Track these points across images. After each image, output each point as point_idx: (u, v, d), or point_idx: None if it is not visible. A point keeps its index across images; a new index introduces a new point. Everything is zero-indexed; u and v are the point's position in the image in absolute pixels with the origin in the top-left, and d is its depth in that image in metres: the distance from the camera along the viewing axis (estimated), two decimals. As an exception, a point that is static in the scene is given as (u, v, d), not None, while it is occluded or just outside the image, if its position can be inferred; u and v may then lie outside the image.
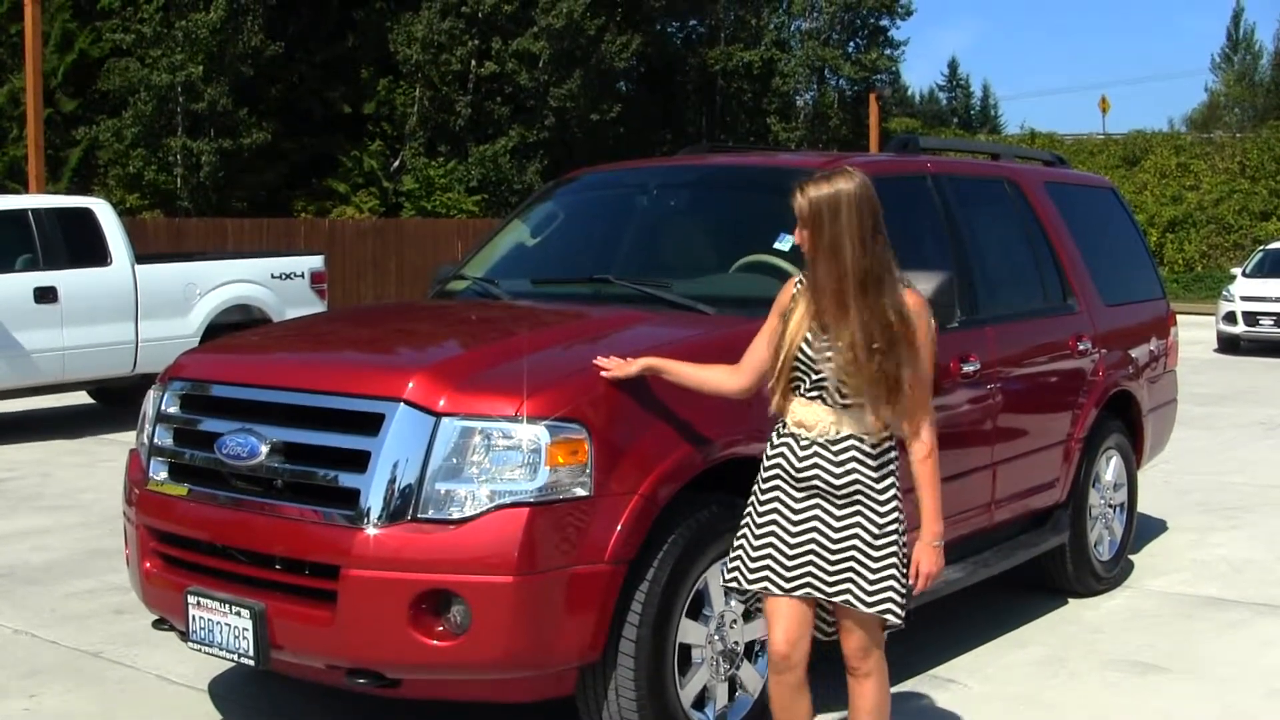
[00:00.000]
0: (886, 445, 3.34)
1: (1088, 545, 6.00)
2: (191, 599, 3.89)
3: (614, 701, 3.74)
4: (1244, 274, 19.92)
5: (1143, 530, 7.11)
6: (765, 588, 3.35)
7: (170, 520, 4.10)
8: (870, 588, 3.30)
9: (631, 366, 3.68)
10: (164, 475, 4.16)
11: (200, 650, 3.91)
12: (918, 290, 3.35)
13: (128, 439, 5.80)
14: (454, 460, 3.56)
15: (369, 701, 4.24)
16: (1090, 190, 6.90)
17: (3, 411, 11.92)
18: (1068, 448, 5.78)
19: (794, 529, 3.33)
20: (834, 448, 3.30)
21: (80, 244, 10.96)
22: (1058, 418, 5.75)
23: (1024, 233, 5.92)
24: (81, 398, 12.59)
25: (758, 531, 3.38)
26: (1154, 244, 32.15)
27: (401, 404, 3.63)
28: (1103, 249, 6.48)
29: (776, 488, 3.37)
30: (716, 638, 3.92)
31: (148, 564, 4.16)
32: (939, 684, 4.82)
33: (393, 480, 3.56)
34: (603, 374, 3.69)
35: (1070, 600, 5.98)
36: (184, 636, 4.00)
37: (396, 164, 34.42)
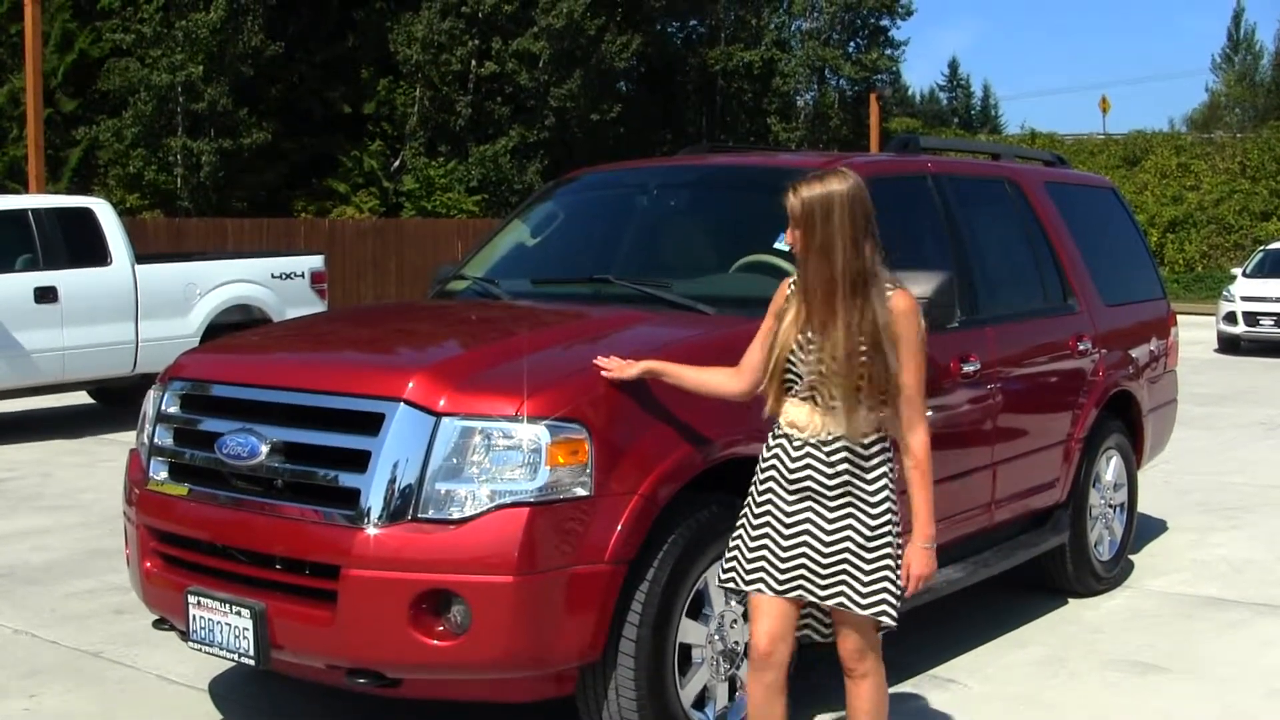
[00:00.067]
0: (880, 447, 3.33)
1: (1088, 545, 6.00)
2: (192, 599, 3.89)
3: (614, 701, 3.74)
4: (1244, 274, 19.92)
5: (1143, 530, 7.11)
6: (759, 589, 3.35)
7: (170, 520, 4.10)
8: (864, 589, 3.29)
9: (632, 369, 3.68)
10: (164, 475, 4.16)
11: (200, 650, 3.91)
12: (909, 292, 3.34)
13: (128, 439, 5.80)
14: (454, 460, 3.56)
15: (369, 701, 4.24)
16: (1091, 190, 6.90)
17: (3, 411, 11.93)
18: (1068, 448, 5.78)
19: (787, 531, 3.33)
20: (826, 449, 3.30)
21: (80, 244, 10.96)
22: (1058, 418, 5.75)
23: (1024, 233, 5.92)
24: (81, 398, 12.59)
25: (753, 533, 3.38)
26: (1154, 244, 32.16)
27: (402, 404, 3.63)
28: (1103, 249, 6.48)
29: (770, 489, 3.37)
30: (716, 637, 3.92)
31: (148, 564, 4.16)
32: (939, 684, 4.82)
33: (393, 480, 3.56)
34: (603, 375, 3.69)
35: (1070, 600, 5.98)
36: (184, 636, 4.01)
37: (396, 164, 34.42)
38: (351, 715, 4.49)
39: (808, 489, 3.32)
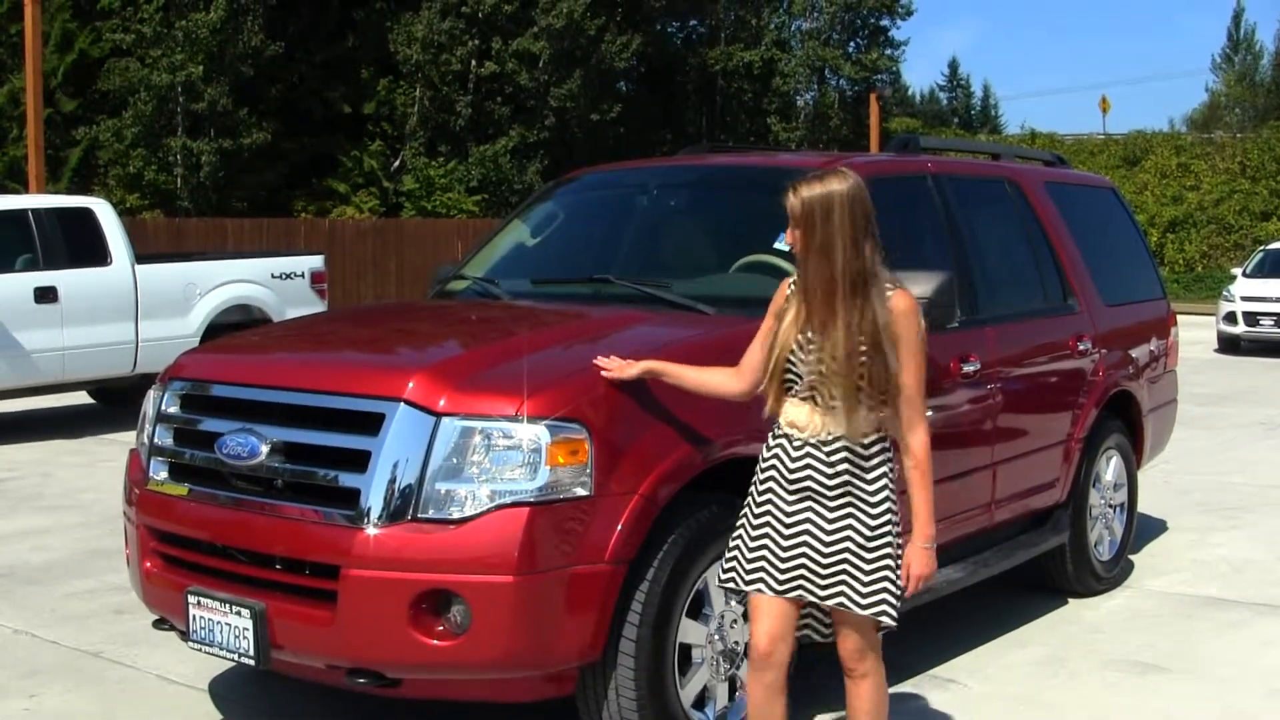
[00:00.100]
0: (880, 447, 3.33)
1: (1088, 545, 6.00)
2: (192, 599, 3.89)
3: (614, 701, 3.74)
4: (1244, 274, 19.92)
5: (1143, 530, 7.11)
6: (759, 589, 3.35)
7: (170, 520, 4.10)
8: (864, 589, 3.29)
9: (632, 369, 3.68)
10: (164, 475, 4.16)
11: (200, 650, 3.91)
12: (909, 292, 3.34)
13: (128, 439, 5.80)
14: (454, 460, 3.56)
15: (369, 701, 4.24)
16: (1091, 190, 6.90)
17: (3, 411, 11.93)
18: (1068, 448, 5.78)
19: (787, 531, 3.33)
20: (826, 449, 3.30)
21: (80, 244, 10.96)
22: (1058, 418, 5.75)
23: (1024, 233, 5.92)
24: (81, 398, 12.59)
25: (753, 533, 3.38)
26: (1154, 244, 32.16)
27: (402, 404, 3.63)
28: (1103, 249, 6.48)
29: (770, 489, 3.37)
30: (717, 637, 3.92)
31: (148, 564, 4.17)
32: (939, 684, 4.82)
33: (393, 480, 3.56)
34: (602, 374, 3.69)
35: (1070, 600, 5.98)
36: (184, 636, 4.01)
37: (396, 164, 34.43)
38: (351, 715, 4.49)
39: (807, 489, 3.31)
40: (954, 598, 5.21)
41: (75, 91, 30.29)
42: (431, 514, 3.55)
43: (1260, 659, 5.15)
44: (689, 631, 3.86)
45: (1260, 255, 20.74)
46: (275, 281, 12.27)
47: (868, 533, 3.29)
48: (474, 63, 34.26)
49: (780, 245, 4.54)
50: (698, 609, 3.89)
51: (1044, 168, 6.66)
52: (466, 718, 4.30)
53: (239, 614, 3.75)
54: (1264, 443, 10.68)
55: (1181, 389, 7.44)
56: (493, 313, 4.91)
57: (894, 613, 3.32)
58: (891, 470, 3.33)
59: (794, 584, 3.32)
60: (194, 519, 4.03)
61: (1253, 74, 62.97)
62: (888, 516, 3.31)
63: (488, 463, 3.55)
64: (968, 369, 5.04)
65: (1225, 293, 19.68)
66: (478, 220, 28.67)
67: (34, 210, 10.93)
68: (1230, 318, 19.08)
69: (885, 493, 3.31)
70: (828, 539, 3.30)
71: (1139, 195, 34.69)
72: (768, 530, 3.35)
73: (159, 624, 4.27)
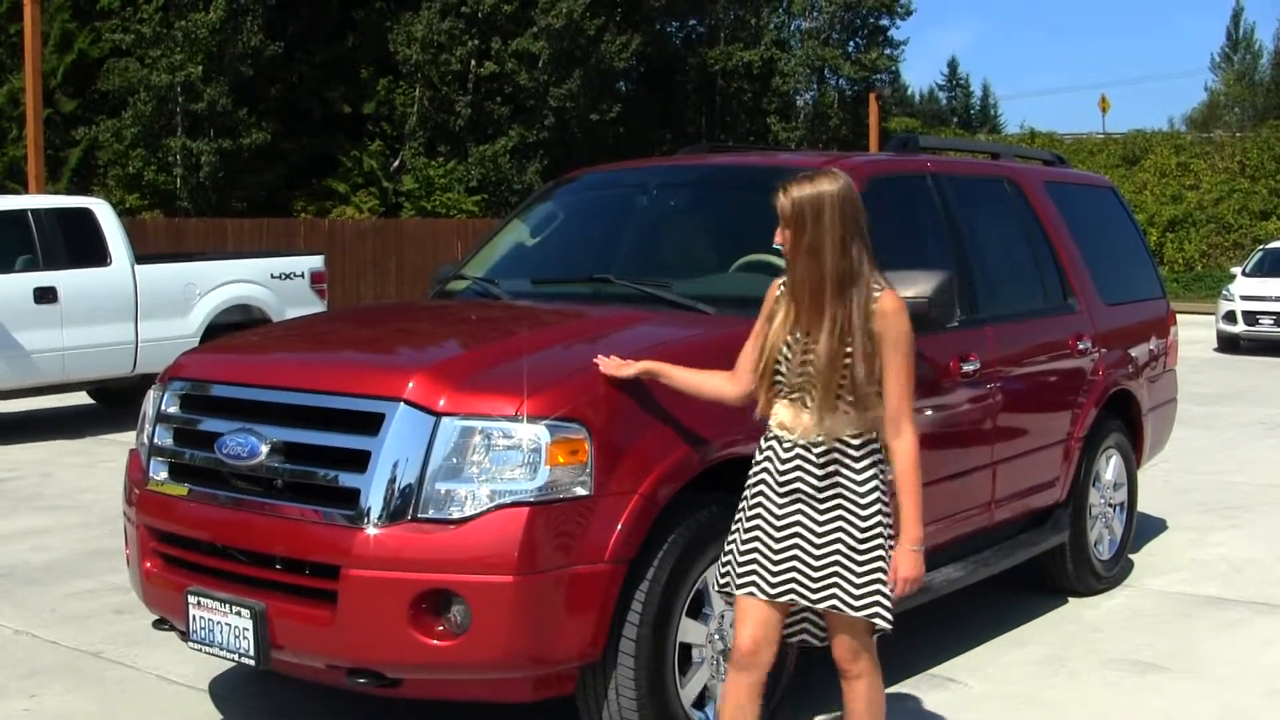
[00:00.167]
0: (870, 448, 3.32)
1: (1088, 544, 6.00)
2: (192, 599, 3.89)
3: (614, 701, 3.74)
4: (1244, 273, 19.91)
5: (1142, 529, 7.11)
6: (751, 592, 3.34)
7: (170, 520, 4.10)
8: (857, 591, 3.28)
9: (629, 368, 3.68)
10: (164, 475, 4.16)
11: (200, 650, 3.91)
12: (896, 293, 3.33)
13: (128, 439, 5.80)
14: (454, 460, 3.56)
15: (369, 701, 4.24)
16: (1090, 190, 6.90)
17: (3, 411, 11.93)
18: (1068, 447, 5.78)
19: (778, 534, 3.32)
20: (816, 450, 3.29)
21: (80, 244, 10.96)
22: (1058, 417, 5.75)
23: (1024, 232, 5.92)
24: (82, 398, 12.59)
25: (745, 535, 3.37)
26: (1154, 243, 32.16)
27: (401, 404, 3.63)
28: (1103, 248, 6.48)
29: (761, 492, 3.37)
30: (717, 637, 3.92)
31: (148, 564, 4.17)
32: (939, 683, 4.82)
33: (393, 480, 3.57)
34: (600, 371, 3.69)
35: (1070, 599, 5.98)
36: (184, 636, 4.01)
37: (396, 164, 34.42)
38: (351, 715, 4.49)
39: (797, 490, 3.31)
40: (954, 597, 5.21)
41: (75, 92, 30.30)
42: (431, 514, 3.55)
43: (1260, 658, 5.15)
44: (689, 631, 3.86)
45: (1260, 254, 20.73)
46: (275, 282, 12.27)
47: (859, 534, 3.28)
48: (473, 63, 34.26)
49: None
50: (698, 608, 3.89)
51: (1043, 167, 6.66)
52: (466, 718, 4.30)
53: (239, 614, 3.75)
54: (1263, 442, 10.68)
55: (1181, 388, 7.45)
56: (492, 313, 4.91)
57: (888, 615, 3.31)
58: (883, 471, 3.33)
59: (786, 587, 3.31)
60: (194, 519, 4.03)
61: (1252, 73, 62.99)
62: (879, 518, 3.30)
63: (488, 462, 3.55)
64: (967, 368, 5.04)
65: (1225, 292, 19.68)
66: (477, 220, 28.67)
67: (34, 210, 10.93)
68: (1230, 317, 19.08)
69: (876, 494, 3.30)
70: (819, 541, 3.29)
71: (1138, 194, 34.69)
72: (758, 533, 3.35)
73: (159, 624, 4.27)
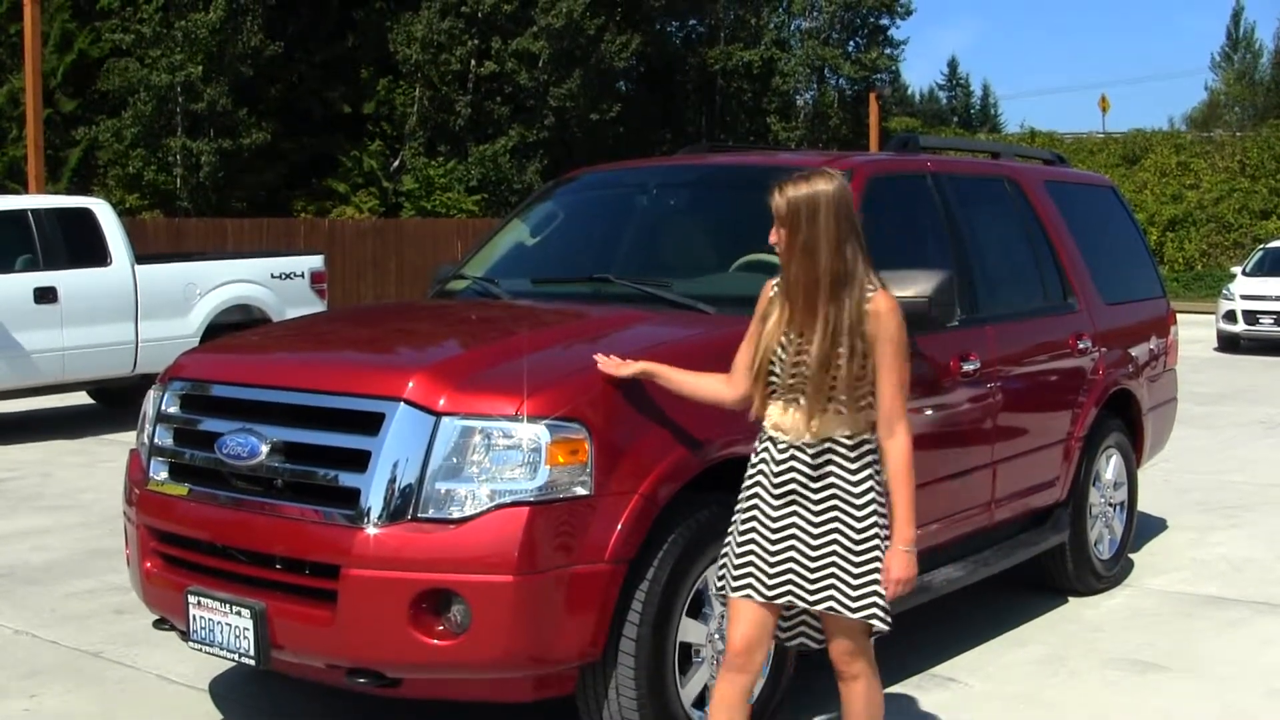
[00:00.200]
0: (865, 449, 3.31)
1: (1088, 544, 6.00)
2: (192, 599, 3.89)
3: (614, 701, 3.74)
4: (1244, 273, 19.91)
5: (1143, 529, 7.11)
6: (749, 594, 3.33)
7: (171, 520, 4.10)
8: (854, 593, 3.27)
9: (627, 368, 3.67)
10: (164, 475, 4.16)
11: (201, 650, 3.91)
12: (890, 293, 3.33)
13: (128, 439, 5.80)
14: (454, 460, 3.56)
15: (369, 701, 4.24)
16: (1090, 189, 6.90)
17: (3, 411, 11.93)
18: (1068, 446, 5.78)
19: (773, 535, 3.31)
20: (810, 451, 3.29)
21: (80, 244, 10.96)
22: (1058, 416, 5.75)
23: (1024, 231, 5.92)
24: (82, 398, 12.59)
25: (740, 537, 3.37)
26: (1154, 243, 32.15)
27: (401, 403, 3.63)
28: (1103, 248, 6.48)
29: (756, 494, 3.36)
30: (717, 637, 3.92)
31: (148, 564, 4.17)
32: (939, 682, 4.82)
33: (393, 480, 3.57)
34: (598, 368, 3.69)
35: (1070, 599, 5.98)
36: (184, 636, 4.01)
37: (396, 164, 34.43)
38: (351, 715, 4.49)
39: (792, 491, 3.30)
40: (954, 596, 5.21)
41: (75, 92, 30.30)
42: (431, 514, 3.55)
43: (1260, 658, 5.15)
44: (689, 631, 3.86)
45: (1260, 254, 20.73)
46: (275, 281, 12.27)
47: (855, 535, 3.28)
48: (473, 62, 34.26)
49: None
50: (698, 608, 3.89)
51: (1043, 166, 6.66)
52: (466, 718, 4.30)
53: (239, 614, 3.75)
54: (1263, 441, 10.68)
55: (1181, 388, 7.44)
56: (492, 312, 4.91)
57: (885, 615, 3.31)
58: (878, 472, 3.32)
59: (783, 588, 3.31)
60: (194, 519, 4.03)
61: (1252, 73, 62.98)
62: (874, 519, 3.29)
63: (488, 462, 3.55)
64: (967, 368, 5.04)
65: (1225, 291, 19.68)
66: (477, 220, 28.67)
67: (34, 210, 10.93)
68: (1230, 316, 19.08)
69: (871, 494, 3.30)
70: (814, 542, 3.29)
71: (1138, 194, 34.69)
72: (754, 535, 3.34)
73: (159, 624, 4.27)
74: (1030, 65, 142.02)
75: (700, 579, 3.87)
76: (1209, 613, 5.75)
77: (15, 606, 5.86)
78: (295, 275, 12.45)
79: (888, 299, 3.28)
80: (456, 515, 3.53)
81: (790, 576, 3.30)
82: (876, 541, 3.28)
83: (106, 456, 9.71)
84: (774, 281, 3.43)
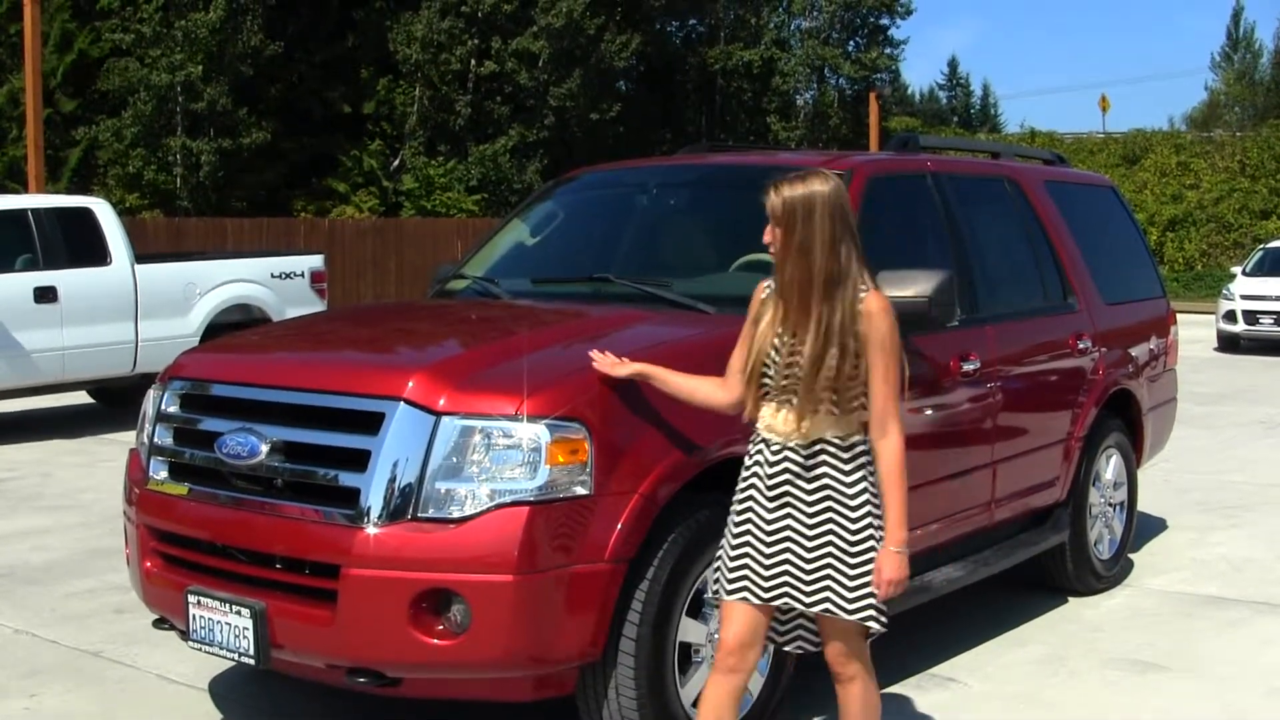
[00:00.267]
0: (859, 449, 3.30)
1: (1088, 544, 6.00)
2: (192, 598, 3.89)
3: (614, 700, 3.74)
4: (1244, 273, 19.90)
5: (1142, 529, 7.11)
6: (745, 597, 3.32)
7: (170, 519, 4.10)
8: (850, 594, 3.27)
9: (623, 369, 3.66)
10: (164, 475, 4.16)
11: (200, 649, 3.91)
12: (882, 294, 3.32)
13: (128, 439, 5.80)
14: (454, 459, 3.56)
15: (369, 701, 4.24)
16: (1090, 189, 6.90)
17: (3, 411, 11.92)
18: (1068, 446, 5.78)
19: (768, 537, 3.31)
20: (804, 452, 3.28)
21: (80, 244, 10.96)
22: (1058, 416, 5.75)
23: (1024, 231, 5.92)
24: (81, 397, 12.59)
25: (734, 541, 3.36)
26: (1154, 243, 32.15)
27: (401, 403, 3.63)
28: (1103, 248, 6.48)
29: (750, 497, 3.35)
30: (716, 636, 3.91)
31: (148, 563, 4.17)
32: (939, 682, 4.82)
33: (393, 479, 3.56)
34: (594, 367, 3.67)
35: (1070, 599, 5.98)
36: (184, 636, 4.01)
37: (396, 163, 34.43)
38: (352, 715, 4.49)
39: (786, 493, 3.30)
40: (954, 596, 5.21)
41: (75, 91, 30.31)
42: (431, 513, 3.55)
43: (1260, 658, 5.15)
44: (689, 630, 3.86)
45: (1260, 254, 20.73)
46: (275, 281, 12.27)
47: (850, 536, 3.27)
48: (473, 62, 34.27)
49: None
50: (698, 608, 3.89)
51: (1043, 166, 6.66)
52: (466, 717, 4.30)
53: (239, 613, 3.75)
54: (1263, 441, 10.68)
55: (1181, 388, 7.44)
56: (492, 312, 4.91)
57: (881, 617, 3.30)
58: (872, 473, 3.31)
59: (780, 591, 3.30)
60: (194, 518, 4.03)
61: (1252, 72, 62.98)
62: (869, 520, 3.28)
63: (488, 462, 3.55)
64: (967, 367, 5.03)
65: (1225, 291, 19.68)
66: (477, 220, 28.66)
67: (34, 210, 10.93)
68: (1230, 316, 19.08)
69: (865, 495, 3.29)
70: (809, 544, 3.28)
71: (1138, 194, 34.69)
72: (749, 537, 3.33)
73: (159, 623, 4.27)
74: (1030, 65, 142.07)
75: (700, 579, 3.86)
76: (1209, 613, 5.75)
77: (15, 606, 5.86)
78: (295, 275, 12.45)
79: (880, 299, 3.28)
80: (456, 515, 3.53)
81: (786, 578, 3.30)
82: (872, 543, 3.28)
83: (106, 456, 9.71)
84: (765, 284, 3.43)
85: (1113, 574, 6.22)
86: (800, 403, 3.25)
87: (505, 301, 5.05)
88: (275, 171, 32.13)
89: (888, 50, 43.49)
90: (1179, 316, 7.49)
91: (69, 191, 25.20)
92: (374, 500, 3.57)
